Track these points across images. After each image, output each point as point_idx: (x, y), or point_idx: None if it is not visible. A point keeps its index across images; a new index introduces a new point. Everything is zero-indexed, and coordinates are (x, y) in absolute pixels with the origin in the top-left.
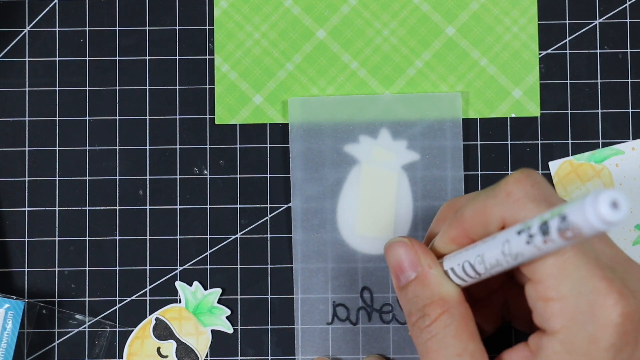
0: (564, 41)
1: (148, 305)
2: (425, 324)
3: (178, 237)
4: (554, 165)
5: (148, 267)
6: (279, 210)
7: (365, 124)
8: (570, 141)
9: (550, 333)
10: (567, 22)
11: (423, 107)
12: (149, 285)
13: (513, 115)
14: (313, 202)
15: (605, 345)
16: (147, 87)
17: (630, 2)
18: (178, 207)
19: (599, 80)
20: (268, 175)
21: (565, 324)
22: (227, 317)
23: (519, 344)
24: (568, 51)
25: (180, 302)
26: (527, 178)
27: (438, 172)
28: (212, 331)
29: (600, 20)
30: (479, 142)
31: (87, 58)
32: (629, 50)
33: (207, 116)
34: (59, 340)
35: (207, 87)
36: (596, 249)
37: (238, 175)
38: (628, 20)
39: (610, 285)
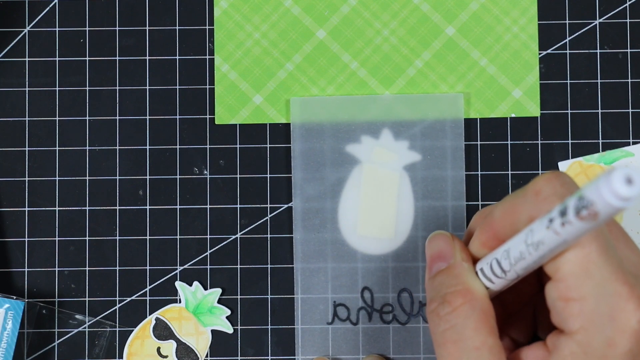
0: (564, 41)
1: (148, 305)
2: (445, 311)
3: (178, 237)
4: (563, 166)
5: (148, 267)
6: (279, 210)
7: (367, 124)
8: (570, 141)
9: (568, 333)
10: (567, 22)
11: (425, 107)
12: (149, 285)
13: (513, 115)
14: (314, 201)
15: (622, 351)
16: (147, 87)
17: (630, 2)
18: (178, 207)
19: (599, 80)
20: (268, 175)
21: (584, 325)
22: (227, 317)
23: (536, 342)
24: (568, 51)
25: (180, 302)
26: (557, 178)
27: (439, 172)
28: (212, 331)
29: (600, 20)
30: (479, 142)
31: (87, 58)
32: (629, 50)
33: (207, 116)
34: (59, 340)
35: (207, 87)
36: (621, 254)
37: (238, 175)
38: (628, 20)
39: (631, 291)
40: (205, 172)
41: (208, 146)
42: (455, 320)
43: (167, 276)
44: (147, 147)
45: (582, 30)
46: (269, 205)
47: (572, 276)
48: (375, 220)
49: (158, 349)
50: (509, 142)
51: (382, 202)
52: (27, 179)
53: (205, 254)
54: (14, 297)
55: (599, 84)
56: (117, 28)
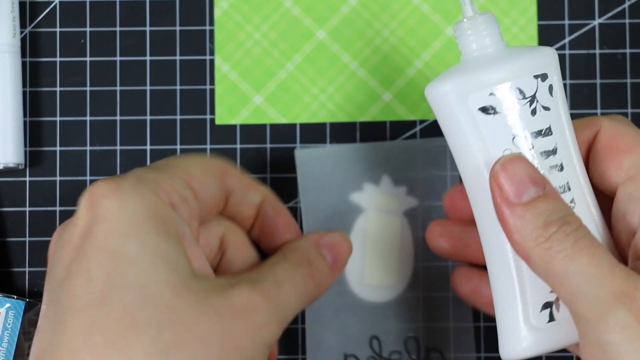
0: (564, 41)
1: None
2: (572, 228)
3: None
4: None
5: None
6: None
7: (369, 172)
8: None
9: None
10: (566, 22)
11: (420, 153)
12: None
13: None
14: None
15: None
16: (148, 87)
17: (629, 3)
18: None
19: (598, 81)
20: (268, 175)
21: None
22: None
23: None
24: (567, 51)
25: None
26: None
27: (436, 214)
28: None
29: (600, 20)
30: None
31: (88, 58)
32: (628, 51)
33: (207, 116)
34: None
35: (207, 87)
36: None
37: None
38: (627, 21)
39: None
40: None
41: (208, 146)
42: (585, 232)
43: None
44: (148, 147)
45: (581, 31)
46: None
47: None
48: (381, 267)
49: None
50: None
51: (386, 249)
52: (27, 179)
53: None
54: (15, 297)
55: (598, 84)
56: (118, 28)
